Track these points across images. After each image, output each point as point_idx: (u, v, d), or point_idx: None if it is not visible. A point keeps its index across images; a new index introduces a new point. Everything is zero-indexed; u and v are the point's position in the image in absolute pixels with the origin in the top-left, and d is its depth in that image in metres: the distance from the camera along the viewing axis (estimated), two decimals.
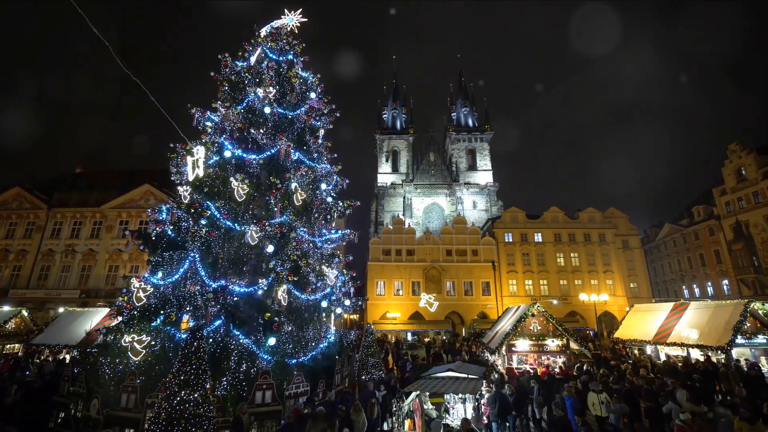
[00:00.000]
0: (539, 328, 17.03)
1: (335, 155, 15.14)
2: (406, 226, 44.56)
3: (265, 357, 10.32)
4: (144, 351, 9.71)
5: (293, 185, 12.27)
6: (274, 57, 14.45)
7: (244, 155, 12.43)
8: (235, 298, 10.70)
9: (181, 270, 10.74)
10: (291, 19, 15.24)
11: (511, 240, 42.09)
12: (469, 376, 10.92)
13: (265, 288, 10.97)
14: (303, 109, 14.12)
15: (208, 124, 13.24)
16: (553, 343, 16.85)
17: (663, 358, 17.25)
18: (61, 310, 22.17)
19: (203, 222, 10.94)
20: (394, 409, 10.63)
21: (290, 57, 14.92)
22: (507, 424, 10.14)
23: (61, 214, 34.39)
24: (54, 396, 10.66)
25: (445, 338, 34.14)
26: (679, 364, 14.92)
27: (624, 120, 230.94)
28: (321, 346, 12.24)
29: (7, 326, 19.68)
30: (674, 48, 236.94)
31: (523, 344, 17.05)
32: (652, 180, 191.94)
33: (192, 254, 10.67)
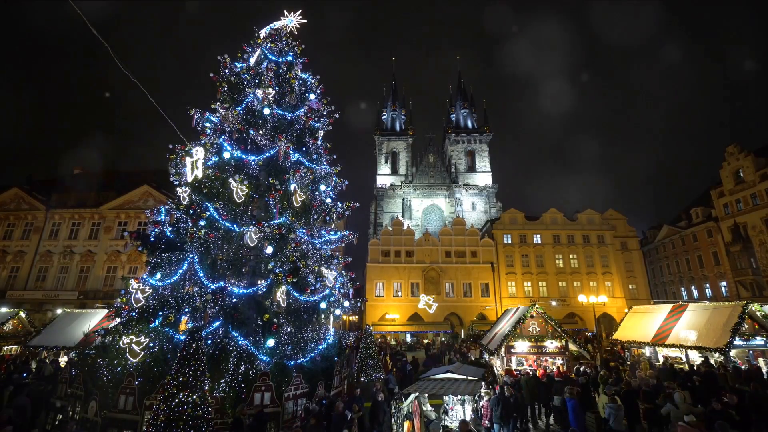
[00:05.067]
0: (538, 329, 17.02)
1: (334, 156, 15.17)
2: (405, 227, 44.55)
3: (264, 358, 10.30)
4: (142, 352, 9.67)
5: (292, 186, 12.27)
6: (274, 58, 14.46)
7: (243, 156, 12.43)
8: (234, 300, 10.69)
9: (180, 271, 10.72)
10: (290, 21, 15.26)
11: (510, 241, 42.11)
12: (468, 378, 10.90)
13: (264, 289, 10.95)
14: (302, 110, 14.12)
15: (207, 125, 13.24)
16: (552, 345, 16.85)
17: (661, 359, 17.26)
18: (59, 311, 22.05)
19: (202, 223, 10.92)
20: (393, 411, 10.59)
21: (290, 58, 14.93)
22: (510, 426, 10.13)
23: (59, 215, 34.26)
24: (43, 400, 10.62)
25: (444, 340, 34.11)
26: (679, 367, 14.95)
27: (624, 121, 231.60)
28: (320, 347, 12.22)
29: (5, 328, 19.59)
30: (674, 49, 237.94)
31: (522, 346, 17.04)
32: (650, 182, 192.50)
33: (191, 255, 10.66)
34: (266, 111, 13.11)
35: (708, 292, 40.88)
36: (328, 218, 14.00)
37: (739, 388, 10.59)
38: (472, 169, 64.85)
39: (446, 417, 10.49)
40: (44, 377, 13.49)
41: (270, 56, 14.41)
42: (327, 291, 12.51)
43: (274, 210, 11.95)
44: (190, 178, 11.42)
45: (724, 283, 39.12)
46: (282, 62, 14.66)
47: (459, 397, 10.29)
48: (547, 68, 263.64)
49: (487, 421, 10.19)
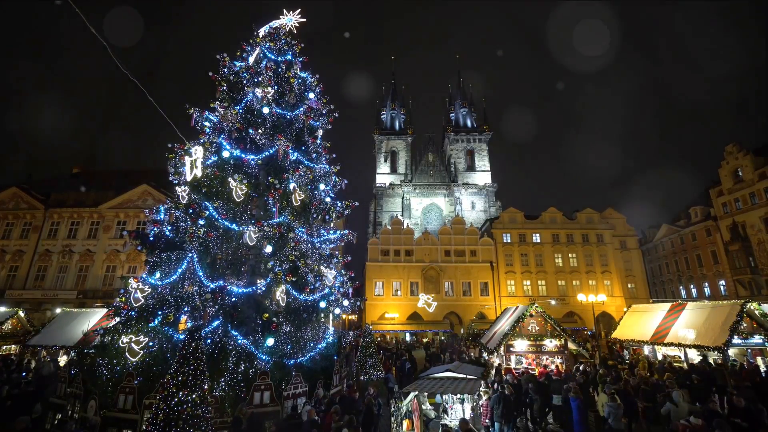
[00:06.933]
0: (537, 328, 17.04)
1: (334, 155, 15.16)
2: (405, 226, 44.54)
3: (264, 357, 10.30)
4: (142, 352, 9.68)
5: (292, 185, 12.26)
6: (273, 57, 14.43)
7: (243, 155, 12.41)
8: (234, 299, 10.68)
9: (179, 270, 10.71)
10: (290, 20, 15.24)
11: (509, 240, 42.13)
12: (468, 377, 10.92)
13: (264, 288, 10.95)
14: (301, 109, 14.11)
15: (207, 124, 13.22)
16: (551, 344, 16.87)
17: (660, 358, 17.31)
18: (58, 310, 22.01)
19: (201, 222, 10.91)
20: (392, 410, 10.59)
21: (289, 57, 14.91)
22: (511, 424, 10.15)
23: (58, 214, 34.20)
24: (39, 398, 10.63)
25: (444, 339, 34.13)
26: (678, 365, 14.97)
27: (623, 121, 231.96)
28: (319, 346, 12.23)
29: (4, 327, 19.56)
30: (673, 49, 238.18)
31: (521, 344, 17.06)
32: (649, 181, 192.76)
33: (190, 254, 10.64)
34: (265, 110, 13.09)
35: (707, 291, 40.96)
36: (327, 217, 14.00)
37: (721, 385, 10.62)
38: (471, 168, 64.80)
39: (446, 416, 10.50)
40: (43, 376, 13.48)
41: (269, 55, 14.38)
42: (326, 290, 12.52)
43: (274, 209, 11.94)
44: (189, 178, 11.40)
45: (722, 282, 39.20)
46: (281, 61, 14.64)
47: (458, 395, 10.30)
48: (547, 67, 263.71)
49: (487, 420, 10.20)
